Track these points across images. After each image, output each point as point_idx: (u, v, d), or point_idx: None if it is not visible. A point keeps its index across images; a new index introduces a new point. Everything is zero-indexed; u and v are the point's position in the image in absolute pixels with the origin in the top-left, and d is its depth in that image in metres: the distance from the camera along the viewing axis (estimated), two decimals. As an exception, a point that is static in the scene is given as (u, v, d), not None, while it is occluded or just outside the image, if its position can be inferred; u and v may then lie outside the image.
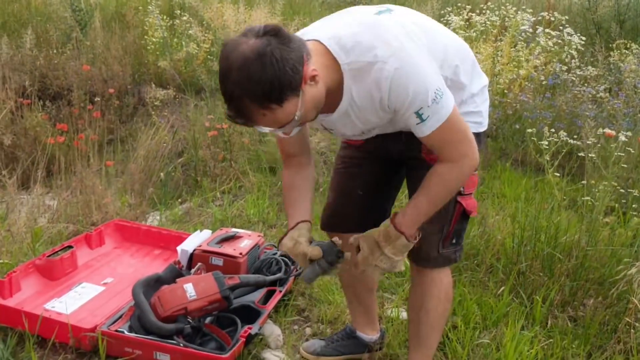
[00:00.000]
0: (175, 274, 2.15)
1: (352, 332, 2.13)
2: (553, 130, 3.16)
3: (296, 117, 1.36)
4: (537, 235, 2.66)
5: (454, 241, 1.74)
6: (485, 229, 2.87)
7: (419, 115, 1.40)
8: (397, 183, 1.90)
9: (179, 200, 3.96)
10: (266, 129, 1.39)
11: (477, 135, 1.56)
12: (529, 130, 3.41)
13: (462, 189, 1.63)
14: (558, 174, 3.14)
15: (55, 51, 5.49)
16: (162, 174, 4.09)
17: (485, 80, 1.70)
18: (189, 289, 2.00)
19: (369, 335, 2.12)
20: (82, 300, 2.23)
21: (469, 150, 1.48)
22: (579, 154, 3.34)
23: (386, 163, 1.80)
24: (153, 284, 2.06)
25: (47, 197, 3.49)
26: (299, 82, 1.31)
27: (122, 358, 1.93)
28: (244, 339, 1.96)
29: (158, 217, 3.38)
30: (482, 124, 1.68)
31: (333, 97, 1.45)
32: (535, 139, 3.24)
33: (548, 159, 3.15)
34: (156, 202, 3.82)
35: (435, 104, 1.39)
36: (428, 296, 1.78)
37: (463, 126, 1.47)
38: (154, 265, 2.57)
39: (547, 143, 3.06)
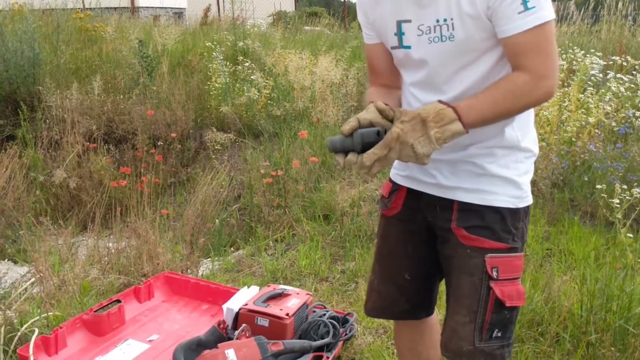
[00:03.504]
0: (217, 337, 2.09)
1: None
2: (625, 187, 2.95)
3: None
4: (608, 304, 2.44)
5: (498, 334, 1.46)
6: (551, 294, 2.66)
7: (524, 1, 1.27)
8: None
9: (232, 247, 3.94)
10: None
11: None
12: (598, 186, 3.19)
13: (496, 273, 1.43)
14: (631, 235, 2.91)
15: (122, 96, 5.70)
16: (217, 220, 4.10)
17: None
18: (231, 355, 1.93)
19: None
20: (126, 358, 2.20)
21: (552, 74, 1.31)
22: (655, 212, 3.09)
23: (430, 239, 1.59)
24: (195, 348, 2.01)
25: (110, 239, 3.54)
26: None
27: None
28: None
29: (210, 266, 3.36)
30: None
31: None
32: (605, 195, 3.02)
33: (620, 217, 2.94)
34: (210, 248, 3.82)
35: None
36: None
37: (555, 45, 1.32)
38: (201, 321, 2.52)
39: (618, 201, 2.86)
